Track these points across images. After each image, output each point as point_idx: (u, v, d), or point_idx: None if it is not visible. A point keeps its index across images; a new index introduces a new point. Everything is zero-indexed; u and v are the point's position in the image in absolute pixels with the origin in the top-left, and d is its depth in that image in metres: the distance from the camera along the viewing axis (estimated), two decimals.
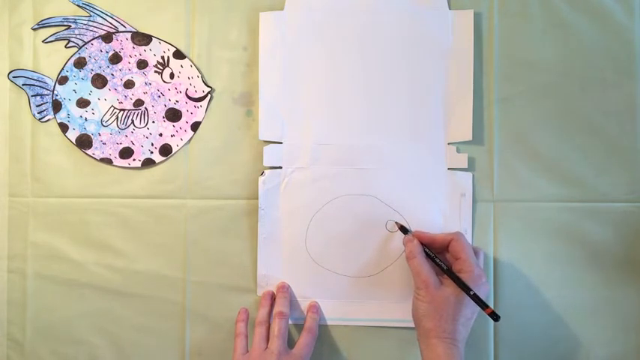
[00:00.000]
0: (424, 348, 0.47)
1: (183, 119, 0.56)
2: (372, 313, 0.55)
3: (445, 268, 0.49)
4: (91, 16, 0.56)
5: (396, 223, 0.54)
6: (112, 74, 0.56)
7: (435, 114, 0.54)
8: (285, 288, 0.55)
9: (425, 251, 0.51)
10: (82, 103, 0.56)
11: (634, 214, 0.54)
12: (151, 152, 0.56)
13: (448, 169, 0.54)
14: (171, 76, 0.56)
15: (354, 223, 0.55)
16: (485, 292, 0.47)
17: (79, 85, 0.56)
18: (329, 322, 0.55)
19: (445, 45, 0.54)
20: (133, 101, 0.56)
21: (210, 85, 0.56)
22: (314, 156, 0.55)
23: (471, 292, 0.46)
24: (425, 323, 0.47)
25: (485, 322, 0.54)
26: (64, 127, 0.56)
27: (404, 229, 0.53)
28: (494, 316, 0.46)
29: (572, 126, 0.55)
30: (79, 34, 0.56)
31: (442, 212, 0.54)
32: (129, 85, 0.56)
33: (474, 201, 0.54)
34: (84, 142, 0.56)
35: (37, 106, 0.57)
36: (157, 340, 0.56)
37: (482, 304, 0.47)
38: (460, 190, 0.54)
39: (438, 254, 0.51)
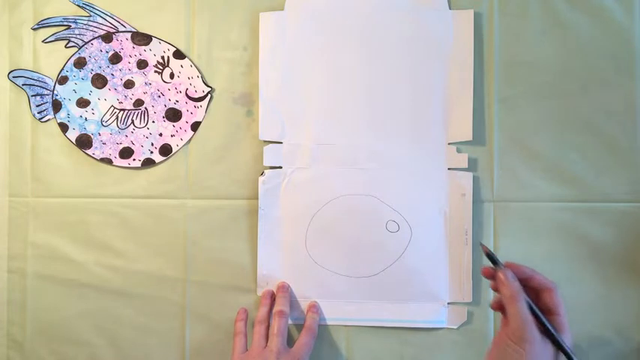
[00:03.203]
0: None
1: (183, 119, 0.56)
2: (372, 313, 0.55)
3: (550, 327, 0.41)
4: (91, 16, 0.56)
5: (482, 245, 0.45)
6: (112, 74, 0.56)
7: (435, 114, 0.54)
8: (285, 288, 0.55)
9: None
10: (82, 103, 0.56)
11: (634, 214, 0.54)
12: (151, 152, 0.56)
13: (448, 169, 0.54)
14: (171, 76, 0.56)
15: (354, 223, 0.55)
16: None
17: (79, 85, 0.56)
18: (329, 322, 0.55)
19: (445, 45, 0.54)
20: (133, 101, 0.56)
21: (210, 85, 0.56)
22: (314, 156, 0.55)
23: None
24: None
25: (486, 322, 0.54)
26: (64, 127, 0.56)
27: (493, 258, 0.44)
28: None
29: (572, 126, 0.55)
30: (79, 34, 0.56)
31: (442, 212, 0.54)
32: (129, 85, 0.56)
33: (474, 201, 0.54)
34: (84, 142, 0.56)
35: (37, 106, 0.57)
36: (157, 340, 0.56)
37: None
38: (460, 190, 0.54)
39: (537, 306, 0.43)
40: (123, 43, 0.56)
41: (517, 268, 0.43)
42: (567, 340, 0.41)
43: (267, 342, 0.51)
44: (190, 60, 0.56)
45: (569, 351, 0.41)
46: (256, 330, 0.52)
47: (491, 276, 0.44)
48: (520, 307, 0.41)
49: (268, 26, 0.55)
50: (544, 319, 0.41)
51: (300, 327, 0.54)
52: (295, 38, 0.55)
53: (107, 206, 0.56)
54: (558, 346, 0.41)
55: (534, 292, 0.43)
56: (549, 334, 0.41)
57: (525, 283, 0.43)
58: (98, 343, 0.56)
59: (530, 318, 0.40)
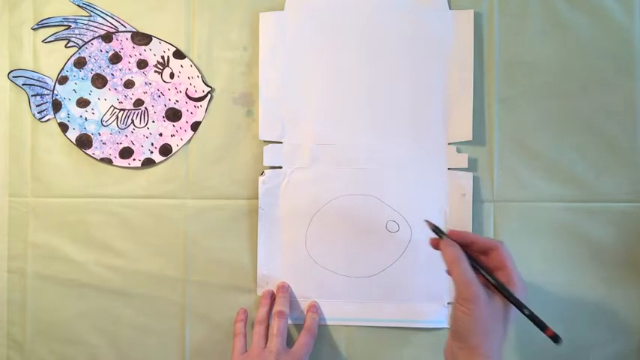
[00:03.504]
0: None
1: (183, 119, 0.56)
2: (372, 313, 0.55)
3: (496, 282, 0.42)
4: (91, 16, 0.56)
5: (427, 222, 0.46)
6: (112, 74, 0.56)
7: (436, 114, 0.54)
8: (285, 288, 0.55)
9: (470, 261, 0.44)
10: (82, 103, 0.56)
11: (634, 214, 0.54)
12: (151, 152, 0.56)
13: (448, 169, 0.54)
14: (171, 75, 0.56)
15: (354, 223, 0.55)
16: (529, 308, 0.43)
17: (79, 84, 0.56)
18: (329, 322, 0.55)
19: (445, 45, 0.54)
20: (133, 101, 0.56)
21: (210, 85, 0.56)
22: (314, 156, 0.55)
23: (526, 312, 0.41)
24: (471, 340, 0.41)
25: None
26: (64, 127, 0.56)
27: (438, 231, 0.46)
28: (556, 339, 0.41)
29: (572, 126, 0.55)
30: (79, 34, 0.56)
31: (442, 212, 0.54)
32: (129, 84, 0.56)
33: (474, 201, 0.54)
34: (84, 142, 0.56)
35: (37, 106, 0.57)
36: (157, 340, 0.56)
37: (542, 325, 0.41)
38: (460, 190, 0.54)
39: (479, 262, 0.44)
40: (123, 43, 0.56)
41: (459, 235, 0.45)
42: (521, 293, 0.42)
43: (266, 342, 0.51)
44: (190, 60, 0.56)
45: (513, 298, 0.41)
46: (256, 330, 0.52)
47: (437, 246, 0.45)
48: (460, 269, 0.42)
49: (268, 26, 0.55)
50: (484, 273, 0.43)
51: (300, 327, 0.54)
52: (295, 38, 0.55)
53: (107, 206, 0.56)
54: (506, 296, 0.42)
55: (482, 254, 0.45)
56: (497, 289, 0.42)
57: (471, 248, 0.44)
58: (98, 343, 0.56)
59: (471, 279, 0.42)
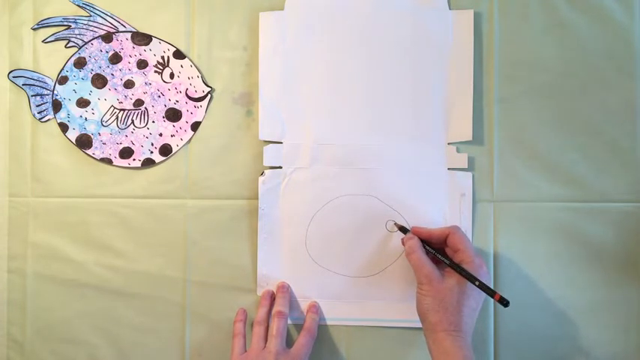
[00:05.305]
0: (431, 342, 0.46)
1: (183, 119, 0.56)
2: (372, 313, 0.55)
3: (448, 261, 0.48)
4: (91, 16, 0.56)
5: (395, 223, 0.54)
6: (112, 74, 0.56)
7: (436, 114, 0.54)
8: (284, 288, 0.55)
9: (425, 248, 0.50)
10: (82, 103, 0.57)
11: (634, 214, 0.54)
12: (151, 152, 0.56)
13: (448, 169, 0.54)
14: (171, 76, 0.56)
15: (354, 223, 0.55)
16: (487, 280, 0.47)
17: (79, 85, 0.56)
18: (329, 322, 0.55)
19: (445, 45, 0.54)
20: (133, 101, 0.56)
21: (210, 85, 0.56)
22: (314, 156, 0.55)
23: (477, 282, 0.46)
24: (430, 317, 0.47)
25: (486, 322, 0.54)
26: (64, 127, 0.56)
27: (403, 229, 0.53)
28: (504, 302, 0.45)
29: (572, 126, 0.55)
30: (79, 34, 0.56)
31: (442, 212, 0.54)
32: (129, 85, 0.56)
33: (474, 201, 0.54)
34: (84, 142, 0.56)
35: (37, 106, 0.57)
36: (157, 340, 0.56)
37: (490, 292, 0.46)
38: (460, 190, 0.54)
39: (437, 249, 0.50)
40: (123, 43, 0.56)
41: (419, 231, 0.52)
42: (478, 268, 0.47)
43: (266, 343, 0.51)
44: (190, 60, 0.56)
45: (464, 272, 0.47)
46: (255, 331, 0.52)
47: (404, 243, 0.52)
48: (415, 256, 0.49)
49: (268, 26, 0.55)
50: (435, 253, 0.50)
51: (299, 327, 0.54)
52: (295, 38, 0.55)
53: (107, 206, 0.57)
54: (458, 271, 0.47)
55: (445, 245, 0.51)
56: (451, 267, 0.48)
57: (434, 241, 0.51)
58: (98, 343, 0.56)
59: (423, 264, 0.48)
